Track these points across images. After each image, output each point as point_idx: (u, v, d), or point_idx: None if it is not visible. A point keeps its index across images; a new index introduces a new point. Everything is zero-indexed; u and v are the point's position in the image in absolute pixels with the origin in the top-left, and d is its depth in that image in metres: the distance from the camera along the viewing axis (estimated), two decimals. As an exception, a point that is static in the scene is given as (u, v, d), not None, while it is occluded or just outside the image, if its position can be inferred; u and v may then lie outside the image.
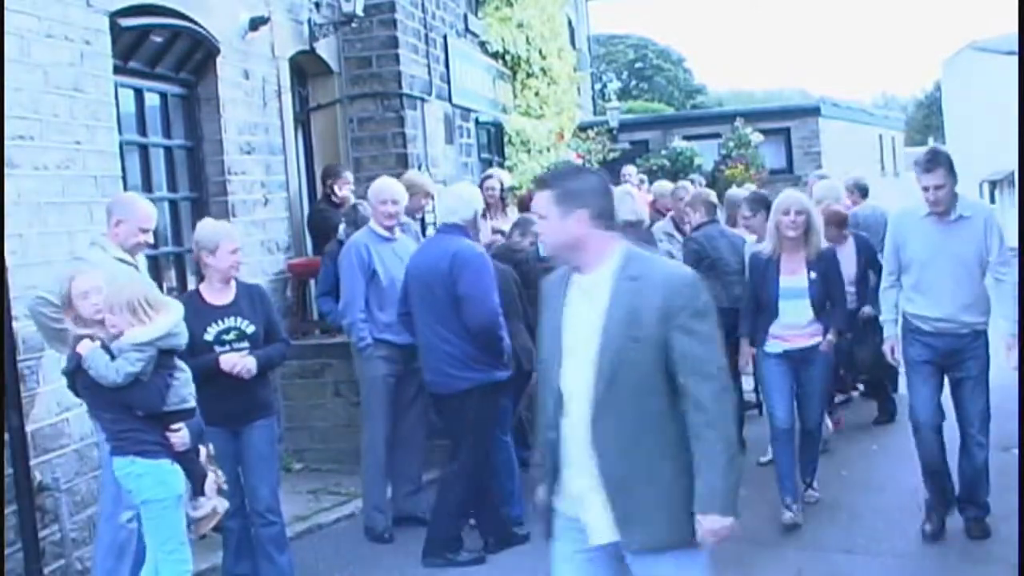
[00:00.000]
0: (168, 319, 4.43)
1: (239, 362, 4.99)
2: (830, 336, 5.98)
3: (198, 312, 5.05)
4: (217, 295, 5.13)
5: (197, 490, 4.50)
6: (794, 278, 5.87)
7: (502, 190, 9.32)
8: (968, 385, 5.61)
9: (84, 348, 4.36)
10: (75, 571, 5.31)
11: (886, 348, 5.76)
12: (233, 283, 5.19)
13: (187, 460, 4.47)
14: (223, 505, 4.59)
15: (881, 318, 5.82)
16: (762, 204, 7.17)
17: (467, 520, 5.92)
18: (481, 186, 8.75)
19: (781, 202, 5.90)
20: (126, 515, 4.86)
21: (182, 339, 4.50)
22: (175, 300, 4.73)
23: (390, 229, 6.35)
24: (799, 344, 5.95)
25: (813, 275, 5.86)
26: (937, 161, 5.35)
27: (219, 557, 5.58)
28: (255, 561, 5.24)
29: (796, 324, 5.91)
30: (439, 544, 5.70)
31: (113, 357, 4.29)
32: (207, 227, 5.34)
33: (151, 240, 5.35)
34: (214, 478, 4.57)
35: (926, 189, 5.37)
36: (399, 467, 6.37)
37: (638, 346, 3.00)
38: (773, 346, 5.97)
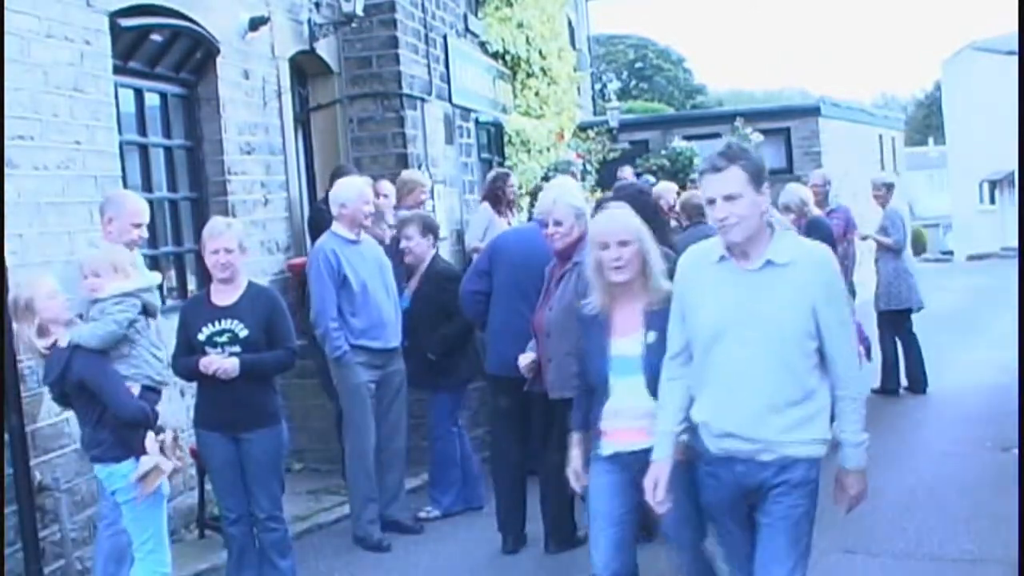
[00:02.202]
0: (146, 276, 4.88)
1: (218, 364, 4.89)
2: (684, 435, 3.63)
3: (199, 312, 5.05)
4: (221, 296, 5.04)
5: (139, 449, 4.54)
6: (627, 341, 3.90)
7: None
8: (771, 536, 3.45)
9: (64, 337, 4.52)
10: (75, 571, 5.30)
11: (647, 483, 3.58)
12: (243, 284, 5.07)
13: (134, 428, 4.55)
14: (167, 464, 4.60)
15: (658, 429, 3.63)
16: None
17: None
18: (501, 183, 8.93)
19: (597, 230, 3.99)
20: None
21: (156, 299, 4.90)
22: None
23: (362, 230, 6.28)
24: (631, 443, 3.86)
25: (651, 336, 3.81)
26: (729, 156, 3.36)
27: (219, 557, 5.59)
28: (259, 567, 5.21)
29: (626, 411, 3.89)
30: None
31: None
32: (207, 226, 5.30)
33: (144, 234, 5.32)
34: (153, 437, 4.58)
35: (711, 202, 3.37)
36: (381, 473, 6.24)
37: None
38: (602, 446, 4.01)
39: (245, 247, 5.15)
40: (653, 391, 3.72)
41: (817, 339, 3.33)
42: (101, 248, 5.04)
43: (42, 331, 4.55)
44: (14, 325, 4.66)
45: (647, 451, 3.68)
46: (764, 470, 3.38)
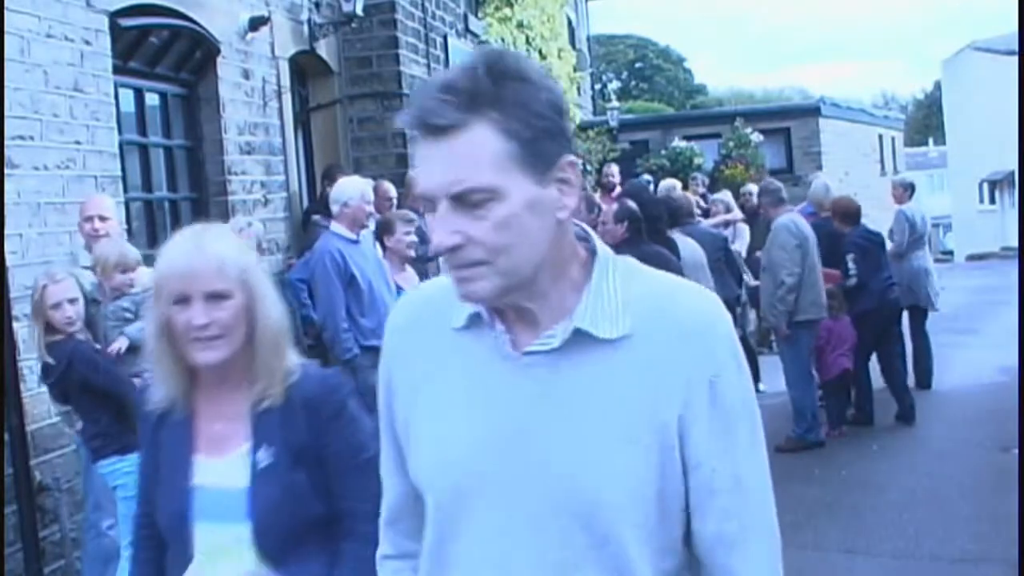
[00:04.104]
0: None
1: None
2: None
3: None
4: None
5: None
6: (221, 464, 2.17)
7: None
8: None
9: (119, 344, 4.76)
10: (75, 571, 5.31)
11: None
12: None
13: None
14: None
15: None
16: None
17: None
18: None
19: (165, 272, 2.15)
20: (106, 522, 4.89)
21: None
22: None
23: (363, 229, 6.27)
24: None
25: (264, 455, 2.13)
26: (468, 97, 1.34)
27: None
28: None
29: None
30: None
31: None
32: (229, 223, 5.38)
33: (99, 227, 5.22)
34: None
35: (427, 205, 1.40)
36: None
37: None
38: None
39: (263, 248, 5.23)
40: (266, 551, 2.11)
41: (686, 510, 1.47)
42: (108, 243, 5.14)
43: (49, 328, 4.56)
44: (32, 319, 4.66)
45: None
46: None
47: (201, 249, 2.12)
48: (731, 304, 7.88)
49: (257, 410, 2.15)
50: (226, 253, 2.13)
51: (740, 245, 10.04)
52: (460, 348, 1.51)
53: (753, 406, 1.49)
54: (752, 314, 10.32)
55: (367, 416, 2.14)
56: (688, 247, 7.09)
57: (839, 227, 8.24)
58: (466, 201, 1.36)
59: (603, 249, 1.51)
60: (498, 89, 1.36)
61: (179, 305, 2.10)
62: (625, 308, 1.45)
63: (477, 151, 1.36)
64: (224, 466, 2.15)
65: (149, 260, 6.58)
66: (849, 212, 8.32)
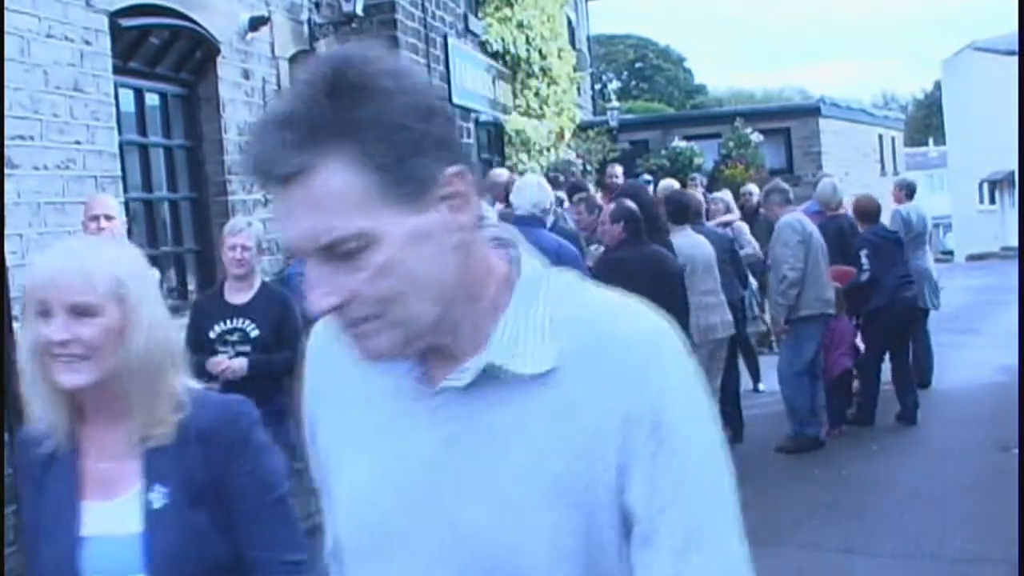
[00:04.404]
0: None
1: (225, 364, 4.93)
2: None
3: (213, 308, 5.12)
4: (235, 294, 5.12)
5: None
6: (109, 508, 1.88)
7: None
8: None
9: None
10: (75, 571, 5.31)
11: None
12: (257, 284, 5.16)
13: None
14: None
15: None
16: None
17: None
18: None
19: (33, 280, 1.93)
20: None
21: None
22: None
23: None
24: None
25: (157, 496, 1.85)
26: (309, 132, 1.12)
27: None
28: None
29: None
30: None
31: None
32: (228, 223, 5.38)
33: (104, 226, 5.21)
34: None
35: (301, 254, 1.22)
36: None
37: None
38: None
39: (263, 248, 5.24)
40: None
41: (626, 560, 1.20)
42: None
43: None
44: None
45: None
46: None
47: (69, 258, 1.86)
48: (736, 305, 7.86)
49: (147, 447, 1.87)
50: (97, 264, 1.85)
51: (750, 248, 10.01)
52: (371, 381, 1.29)
53: (713, 445, 1.21)
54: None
55: (277, 450, 2.00)
56: (700, 245, 7.08)
57: (860, 225, 8.30)
58: (336, 252, 1.15)
59: (531, 264, 1.26)
60: (344, 112, 1.12)
61: (42, 319, 1.85)
62: (552, 336, 1.21)
63: (334, 195, 1.13)
64: (114, 510, 1.87)
65: (152, 259, 6.59)
66: (868, 211, 8.39)
